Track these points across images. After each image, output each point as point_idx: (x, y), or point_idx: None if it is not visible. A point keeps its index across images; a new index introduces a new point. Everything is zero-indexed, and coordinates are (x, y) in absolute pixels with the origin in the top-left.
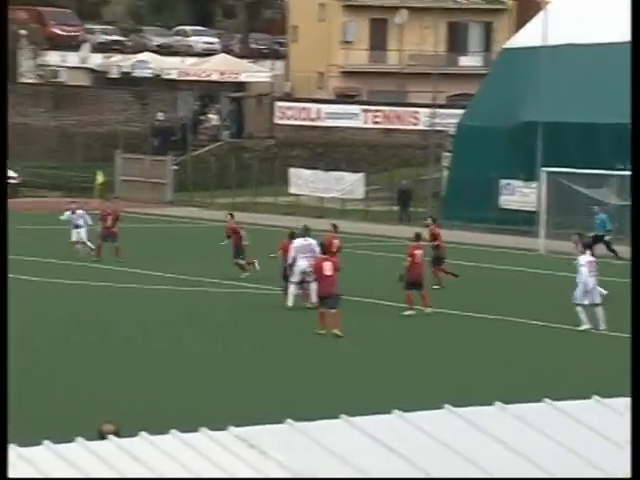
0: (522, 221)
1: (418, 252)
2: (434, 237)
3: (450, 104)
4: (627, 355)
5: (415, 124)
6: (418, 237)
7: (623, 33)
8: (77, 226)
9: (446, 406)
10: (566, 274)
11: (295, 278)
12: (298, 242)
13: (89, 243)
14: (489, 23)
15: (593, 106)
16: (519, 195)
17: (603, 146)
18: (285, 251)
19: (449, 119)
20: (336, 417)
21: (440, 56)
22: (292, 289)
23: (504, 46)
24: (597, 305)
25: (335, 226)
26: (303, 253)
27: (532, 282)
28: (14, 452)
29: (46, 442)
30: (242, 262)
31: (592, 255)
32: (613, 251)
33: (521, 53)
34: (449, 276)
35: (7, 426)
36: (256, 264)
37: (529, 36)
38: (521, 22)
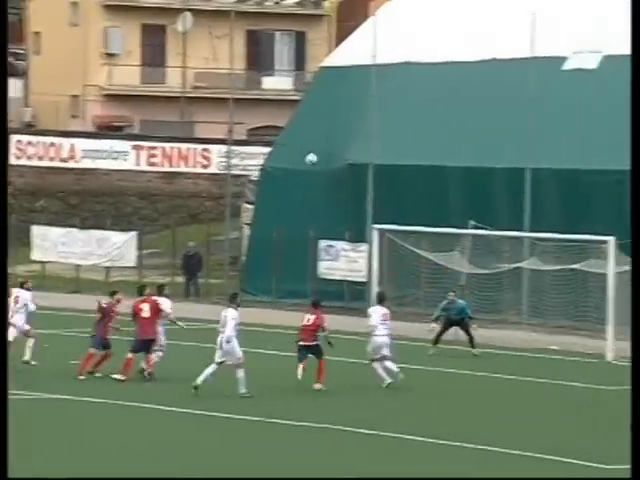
0: (349, 295)
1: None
2: None
3: (252, 140)
4: None
5: (205, 166)
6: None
7: (474, 50)
8: None
9: None
10: (410, 365)
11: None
12: None
13: None
14: (302, 33)
15: (440, 144)
16: (345, 261)
17: (453, 197)
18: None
19: (250, 160)
20: None
21: (237, 76)
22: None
23: (322, 64)
24: (386, 358)
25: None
26: None
27: (358, 376)
28: None
29: None
30: None
31: (383, 307)
32: (471, 338)
33: (345, 73)
34: None
35: (7, 427)
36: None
37: (354, 51)
38: (344, 33)
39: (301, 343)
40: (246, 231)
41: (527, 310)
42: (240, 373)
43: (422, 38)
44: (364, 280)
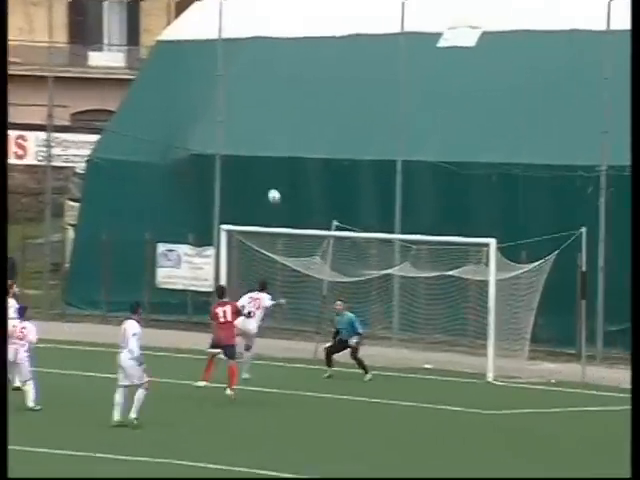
0: (192, 307)
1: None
2: None
3: (76, 126)
4: None
5: (21, 156)
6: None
7: (336, 24)
8: None
9: None
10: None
11: None
12: None
13: None
14: (135, 2)
15: (298, 132)
16: (188, 267)
17: (313, 193)
18: None
19: (75, 149)
20: None
21: (58, 50)
22: None
23: (159, 37)
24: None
25: None
26: None
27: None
28: None
29: None
30: None
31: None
32: (362, 364)
33: (186, 49)
34: None
35: (7, 427)
36: None
37: (197, 23)
38: (185, 1)
39: (217, 344)
40: (70, 233)
41: (398, 324)
42: (141, 395)
43: (276, 9)
44: (210, 290)
